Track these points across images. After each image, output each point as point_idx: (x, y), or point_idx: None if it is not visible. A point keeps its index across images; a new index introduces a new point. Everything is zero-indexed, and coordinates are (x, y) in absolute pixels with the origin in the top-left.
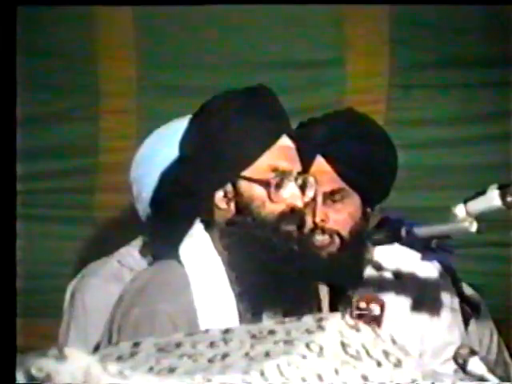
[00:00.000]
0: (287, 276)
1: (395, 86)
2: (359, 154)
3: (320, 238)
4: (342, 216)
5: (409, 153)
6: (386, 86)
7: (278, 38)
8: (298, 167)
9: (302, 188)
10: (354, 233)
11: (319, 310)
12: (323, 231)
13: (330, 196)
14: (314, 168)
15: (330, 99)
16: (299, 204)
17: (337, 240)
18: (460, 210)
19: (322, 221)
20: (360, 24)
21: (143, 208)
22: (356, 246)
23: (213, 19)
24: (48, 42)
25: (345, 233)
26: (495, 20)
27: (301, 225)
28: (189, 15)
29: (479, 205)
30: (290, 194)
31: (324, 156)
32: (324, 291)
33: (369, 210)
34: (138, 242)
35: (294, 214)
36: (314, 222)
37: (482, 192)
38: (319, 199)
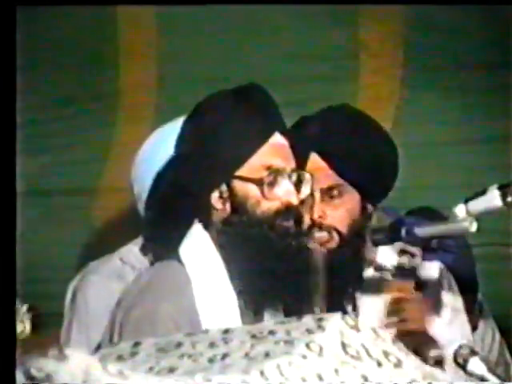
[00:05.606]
0: (285, 274)
1: (406, 87)
2: (354, 149)
3: (318, 235)
4: (339, 212)
5: (413, 152)
6: (397, 87)
7: (294, 35)
8: (291, 164)
9: (297, 185)
10: (354, 229)
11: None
12: (321, 228)
13: (328, 192)
14: (309, 165)
15: (342, 98)
16: (294, 201)
17: (335, 236)
18: (460, 210)
19: (320, 217)
20: (374, 25)
21: (144, 208)
22: (355, 242)
23: (231, 18)
24: (65, 39)
25: (343, 229)
26: (498, 22)
27: (297, 221)
28: (209, 13)
29: (479, 205)
30: (284, 191)
31: (319, 152)
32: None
33: (369, 206)
34: (139, 240)
35: (289, 211)
36: (312, 219)
37: (483, 192)
38: (317, 196)
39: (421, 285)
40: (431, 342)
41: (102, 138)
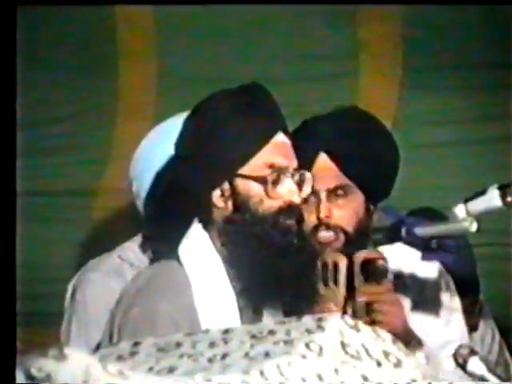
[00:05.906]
0: (287, 272)
1: (406, 87)
2: (362, 151)
3: (325, 235)
4: (345, 212)
5: (412, 153)
6: (397, 87)
7: (294, 35)
8: (294, 163)
9: (299, 184)
10: (359, 229)
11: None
12: (328, 227)
13: (334, 192)
14: (317, 164)
15: (342, 98)
16: (296, 200)
17: (341, 236)
18: (460, 210)
19: (327, 217)
20: (373, 25)
21: (143, 206)
22: (360, 242)
23: (231, 18)
24: (65, 39)
25: (349, 229)
26: (498, 22)
27: (299, 220)
28: (209, 13)
29: (479, 205)
30: (286, 190)
31: (327, 153)
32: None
33: (372, 207)
34: (138, 238)
35: (291, 210)
36: (319, 218)
37: (482, 192)
38: (323, 195)
39: (420, 286)
40: (414, 339)
41: (101, 138)
